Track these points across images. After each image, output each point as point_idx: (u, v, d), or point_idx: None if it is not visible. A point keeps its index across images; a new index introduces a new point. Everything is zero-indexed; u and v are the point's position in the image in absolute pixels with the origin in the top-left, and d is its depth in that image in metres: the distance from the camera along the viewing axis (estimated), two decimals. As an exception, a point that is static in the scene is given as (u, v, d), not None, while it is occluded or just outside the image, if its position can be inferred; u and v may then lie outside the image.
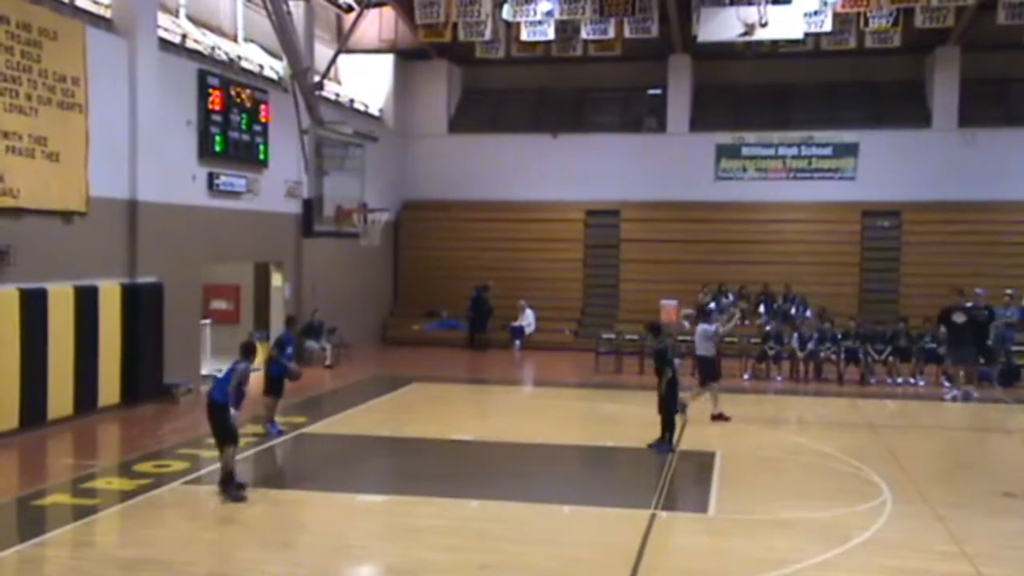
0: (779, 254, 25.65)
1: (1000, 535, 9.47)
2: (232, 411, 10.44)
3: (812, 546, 9.01)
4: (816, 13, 21.45)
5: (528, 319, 25.54)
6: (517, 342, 25.19)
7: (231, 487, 10.36)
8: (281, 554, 8.89)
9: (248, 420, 13.62)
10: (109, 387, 15.54)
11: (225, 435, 10.43)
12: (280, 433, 13.82)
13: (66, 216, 14.82)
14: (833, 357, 20.18)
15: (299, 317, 21.65)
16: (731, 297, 24.06)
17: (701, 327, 16.00)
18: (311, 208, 16.90)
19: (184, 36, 18.72)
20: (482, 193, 27.66)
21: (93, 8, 16.16)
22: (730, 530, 9.70)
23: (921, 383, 19.63)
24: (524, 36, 23.58)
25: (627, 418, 16.36)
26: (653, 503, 10.35)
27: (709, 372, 15.70)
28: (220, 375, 10.88)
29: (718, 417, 15.15)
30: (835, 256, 25.77)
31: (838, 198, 26.08)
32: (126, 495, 10.59)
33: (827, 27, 21.96)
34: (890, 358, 20.00)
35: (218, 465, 10.65)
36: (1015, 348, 20.09)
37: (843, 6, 21.74)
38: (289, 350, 14.31)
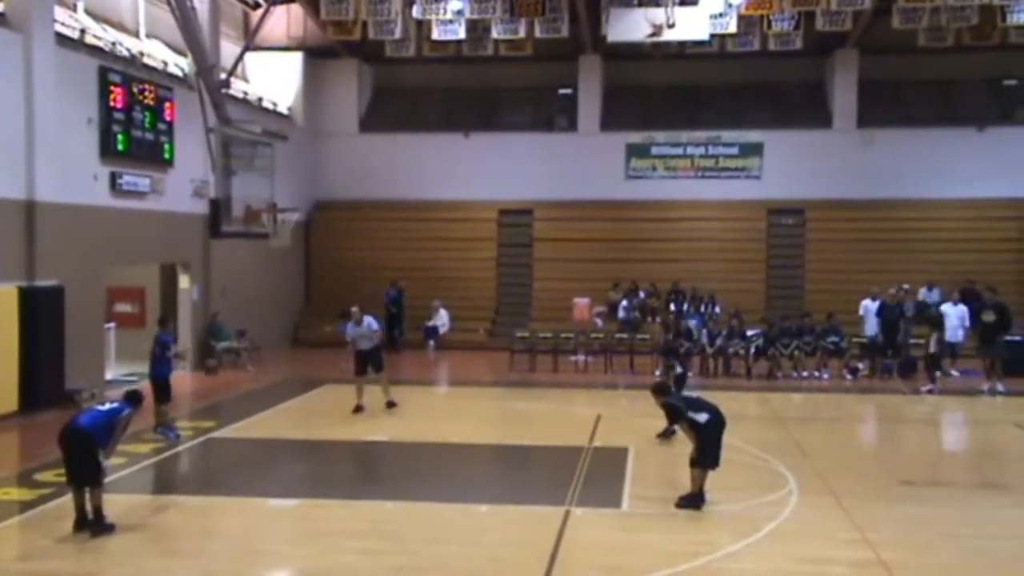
0: (689, 251, 26.12)
1: (900, 521, 9.81)
2: (103, 458, 9.19)
3: (722, 537, 9.21)
4: (721, 15, 21.95)
5: (442, 319, 25.45)
6: (431, 342, 25.06)
7: (103, 525, 9.18)
8: (190, 562, 8.68)
9: (140, 430, 13.20)
10: (6, 394, 14.99)
11: (91, 473, 9.09)
12: (178, 437, 13.48)
13: (-42, 217, 14.27)
14: (741, 352, 20.66)
15: (207, 319, 21.31)
16: (642, 295, 24.43)
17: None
18: (219, 208, 16.60)
19: (83, 31, 18.14)
20: (394, 192, 27.48)
21: (-15, 1, 15.58)
22: (643, 524, 9.84)
23: (825, 376, 20.21)
24: (435, 35, 23.53)
25: (541, 416, 16.47)
26: (567, 500, 10.43)
27: None
28: (101, 406, 9.48)
29: None
30: (742, 253, 26.34)
31: (744, 196, 26.67)
32: (26, 506, 10.22)
33: (732, 29, 22.52)
34: (796, 352, 20.54)
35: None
36: (912, 341, 20.85)
37: (747, 8, 22.31)
38: (170, 352, 13.93)
